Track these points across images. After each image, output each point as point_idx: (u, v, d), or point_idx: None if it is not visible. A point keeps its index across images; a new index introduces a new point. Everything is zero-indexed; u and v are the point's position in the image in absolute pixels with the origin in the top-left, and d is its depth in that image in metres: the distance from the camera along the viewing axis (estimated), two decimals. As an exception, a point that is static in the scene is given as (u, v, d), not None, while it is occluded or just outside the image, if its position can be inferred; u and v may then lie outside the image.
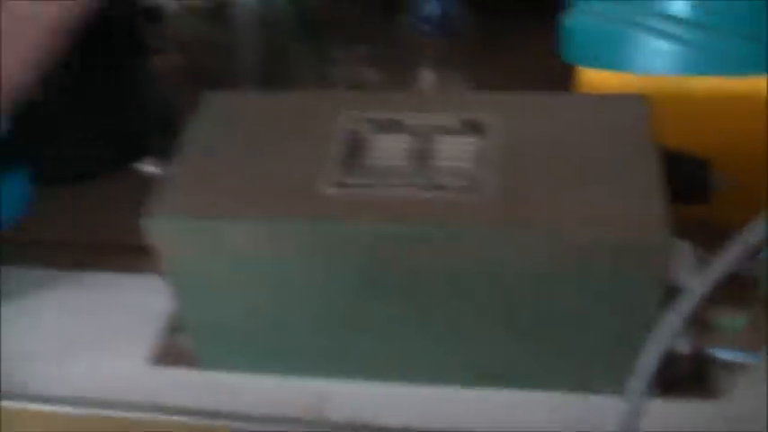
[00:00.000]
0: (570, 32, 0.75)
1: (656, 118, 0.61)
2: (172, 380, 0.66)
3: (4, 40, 0.17)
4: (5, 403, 0.65)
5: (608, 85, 0.73)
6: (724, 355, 0.63)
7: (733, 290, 0.50)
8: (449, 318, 0.59)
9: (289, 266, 0.57)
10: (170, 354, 0.68)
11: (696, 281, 0.47)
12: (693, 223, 0.59)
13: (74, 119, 0.82)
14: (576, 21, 0.75)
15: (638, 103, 0.63)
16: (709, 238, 0.53)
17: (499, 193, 0.56)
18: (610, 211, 0.54)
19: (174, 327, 0.69)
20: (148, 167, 0.69)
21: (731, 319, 0.64)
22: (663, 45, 0.70)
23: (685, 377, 0.62)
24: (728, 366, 0.62)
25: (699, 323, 0.64)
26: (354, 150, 0.59)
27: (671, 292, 0.50)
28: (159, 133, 0.79)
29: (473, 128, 0.61)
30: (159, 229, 0.57)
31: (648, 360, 0.49)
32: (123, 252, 0.73)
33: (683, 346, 0.64)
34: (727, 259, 0.46)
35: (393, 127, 0.61)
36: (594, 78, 0.74)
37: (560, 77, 0.76)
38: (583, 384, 0.61)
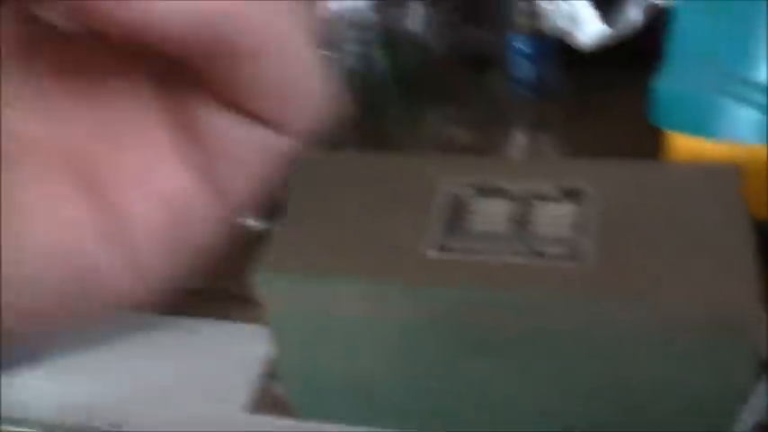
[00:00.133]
0: (660, 97, 0.77)
1: (746, 187, 0.62)
2: (268, 427, 0.68)
3: (232, 166, 0.19)
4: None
5: (696, 152, 0.74)
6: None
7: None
8: (541, 380, 0.61)
9: (389, 325, 0.60)
10: (267, 401, 0.70)
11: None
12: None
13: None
14: (665, 86, 0.76)
15: (730, 173, 0.64)
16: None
17: (596, 262, 0.57)
18: (705, 282, 0.55)
19: (272, 374, 0.71)
20: (250, 222, 0.72)
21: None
22: (750, 113, 0.72)
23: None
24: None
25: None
26: (456, 214, 0.61)
27: (764, 364, 0.51)
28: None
29: (571, 195, 0.62)
30: (266, 283, 0.60)
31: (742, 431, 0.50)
32: (223, 300, 0.75)
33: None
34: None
35: (493, 192, 0.63)
36: (683, 144, 0.76)
37: (650, 142, 0.77)
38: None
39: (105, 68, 0.18)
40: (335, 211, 0.64)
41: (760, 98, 0.71)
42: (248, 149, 0.20)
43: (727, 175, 0.64)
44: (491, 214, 0.61)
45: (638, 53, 0.84)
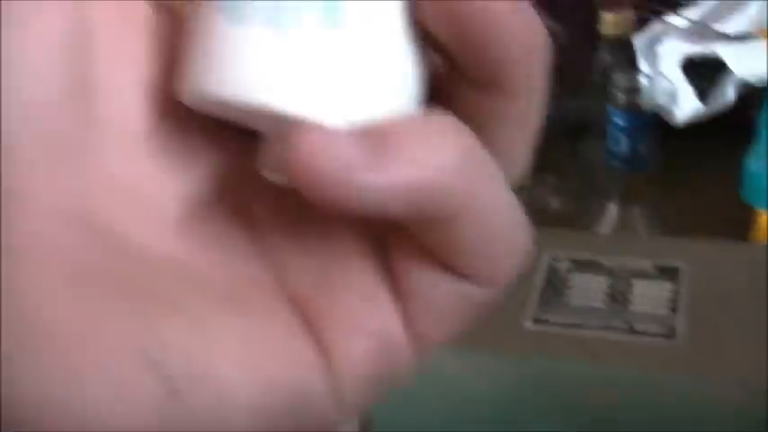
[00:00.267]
0: (751, 175, 0.78)
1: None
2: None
3: (433, 314, 0.21)
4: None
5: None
6: None
7: None
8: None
9: (483, 390, 0.61)
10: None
11: None
12: None
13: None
14: (757, 164, 0.77)
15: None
16: None
17: (691, 341, 0.59)
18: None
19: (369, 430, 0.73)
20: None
21: None
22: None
23: None
24: None
25: None
26: (554, 288, 0.63)
27: None
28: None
29: (667, 273, 0.64)
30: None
31: None
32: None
33: None
34: None
35: (592, 268, 0.64)
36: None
37: (740, 218, 0.78)
38: None
39: (322, 218, 0.19)
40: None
41: None
42: (450, 301, 0.21)
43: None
44: (589, 289, 0.63)
45: (729, 128, 0.85)
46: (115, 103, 0.19)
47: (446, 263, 0.20)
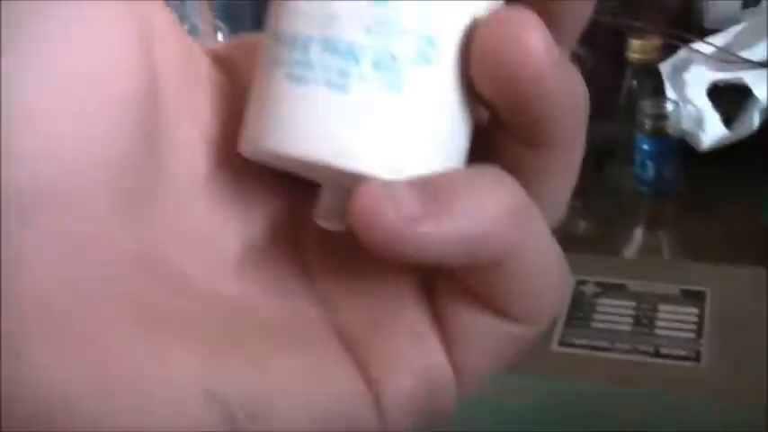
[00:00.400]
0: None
1: None
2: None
3: (476, 352, 0.22)
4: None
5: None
6: None
7: None
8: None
9: (514, 414, 0.62)
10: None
11: None
12: None
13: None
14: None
15: None
16: None
17: (716, 364, 0.59)
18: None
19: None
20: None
21: None
22: None
23: None
24: None
25: None
26: (581, 311, 0.64)
27: None
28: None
29: (692, 298, 0.65)
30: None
31: None
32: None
33: None
34: None
35: (618, 291, 0.66)
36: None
37: (765, 243, 0.79)
38: None
39: (371, 260, 0.20)
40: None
41: None
42: (494, 340, 0.22)
43: None
44: (616, 314, 0.64)
45: (754, 153, 0.86)
46: (179, 155, 0.21)
47: (492, 304, 0.22)
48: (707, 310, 0.64)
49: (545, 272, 0.21)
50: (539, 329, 0.22)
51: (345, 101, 0.20)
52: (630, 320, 0.63)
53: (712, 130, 0.91)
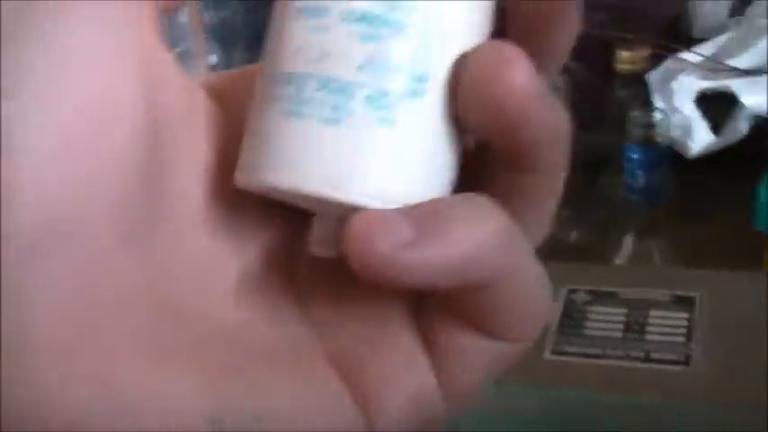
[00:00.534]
0: (764, 205, 0.79)
1: None
2: None
3: (465, 372, 0.23)
4: None
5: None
6: None
7: None
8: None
9: (507, 421, 0.63)
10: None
11: None
12: None
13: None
14: (767, 193, 0.79)
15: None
16: None
17: (706, 368, 0.60)
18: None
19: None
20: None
21: None
22: None
23: None
24: None
25: None
26: (572, 319, 0.65)
27: None
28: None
29: (682, 303, 0.66)
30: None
31: None
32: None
33: None
34: None
35: (609, 299, 0.67)
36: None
37: (754, 247, 0.79)
38: None
39: (361, 285, 0.21)
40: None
41: None
42: (482, 358, 0.23)
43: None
44: (607, 321, 0.65)
45: (741, 159, 0.87)
46: (179, 188, 0.22)
47: (480, 325, 0.23)
48: (697, 314, 0.65)
49: (530, 292, 0.22)
50: (525, 346, 0.23)
51: (339, 135, 0.21)
52: (622, 327, 0.64)
53: (700, 138, 0.92)
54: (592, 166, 0.92)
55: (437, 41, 0.21)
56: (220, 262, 0.23)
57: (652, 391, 0.60)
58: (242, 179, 0.22)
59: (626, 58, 0.93)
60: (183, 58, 1.09)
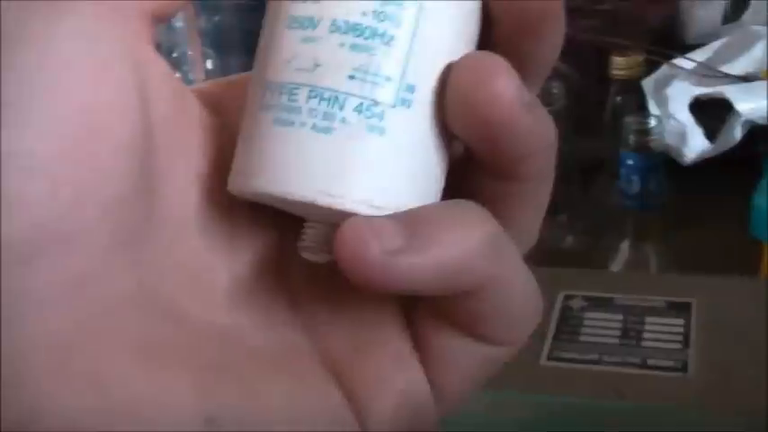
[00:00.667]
0: (758, 211, 0.80)
1: None
2: None
3: (455, 374, 0.23)
4: None
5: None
6: None
7: None
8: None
9: (503, 428, 0.63)
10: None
11: None
12: None
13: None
14: (763, 200, 0.79)
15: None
16: None
17: (703, 374, 0.60)
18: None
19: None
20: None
21: None
22: None
23: None
24: None
25: None
26: (569, 325, 0.65)
27: None
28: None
29: (678, 309, 0.66)
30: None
31: None
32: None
33: None
34: None
35: (605, 305, 0.67)
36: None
37: (749, 253, 0.80)
38: None
39: (353, 288, 0.21)
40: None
41: None
42: (472, 361, 0.23)
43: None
44: (603, 327, 0.65)
45: (736, 165, 0.87)
46: (172, 193, 0.22)
47: (470, 329, 0.23)
48: (693, 320, 0.65)
49: (518, 297, 0.23)
50: (513, 350, 0.24)
51: (330, 143, 0.21)
52: (618, 333, 0.64)
53: (695, 144, 0.92)
54: (587, 172, 0.92)
55: (425, 52, 0.22)
56: (213, 266, 0.23)
57: (648, 396, 0.60)
58: (235, 185, 0.22)
59: (620, 65, 0.94)
60: (180, 63, 1.09)
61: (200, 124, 0.23)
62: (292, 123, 0.21)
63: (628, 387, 0.60)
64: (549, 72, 0.23)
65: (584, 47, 0.98)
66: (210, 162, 0.23)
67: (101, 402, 0.19)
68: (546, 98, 0.88)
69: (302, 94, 0.21)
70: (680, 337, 0.64)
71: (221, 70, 1.12)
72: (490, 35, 0.23)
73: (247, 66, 0.24)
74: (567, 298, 0.68)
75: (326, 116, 0.21)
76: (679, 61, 0.98)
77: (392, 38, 0.21)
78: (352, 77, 0.21)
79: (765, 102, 0.89)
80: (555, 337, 0.64)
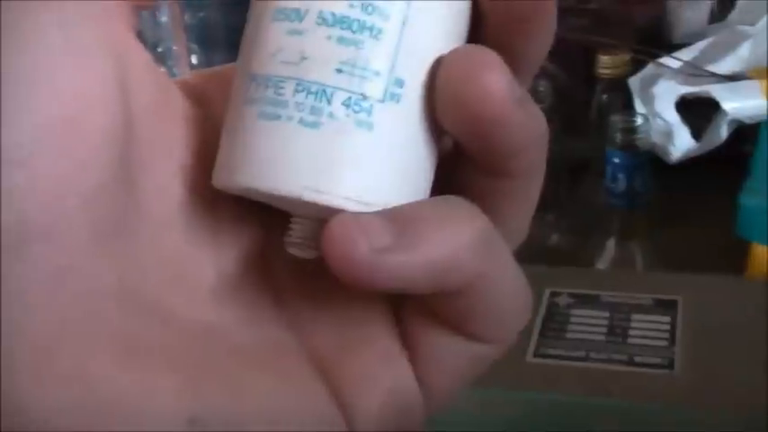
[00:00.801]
0: (745, 211, 0.80)
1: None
2: None
3: (443, 372, 0.22)
4: None
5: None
6: None
7: None
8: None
9: (489, 424, 0.63)
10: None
11: None
12: None
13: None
14: (750, 200, 0.79)
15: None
16: None
17: (689, 371, 0.60)
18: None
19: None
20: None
21: None
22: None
23: None
24: None
25: None
26: (555, 322, 0.65)
27: None
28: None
29: (665, 306, 0.66)
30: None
31: None
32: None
33: None
34: None
35: (592, 302, 0.67)
36: (765, 255, 0.78)
37: (735, 252, 0.80)
38: None
39: (340, 285, 0.21)
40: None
41: None
42: (460, 359, 0.23)
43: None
44: (590, 324, 0.65)
45: (723, 164, 0.87)
46: (155, 187, 0.22)
47: (459, 327, 0.23)
48: (679, 318, 0.65)
49: (508, 295, 0.22)
50: (502, 348, 0.23)
51: (317, 137, 0.21)
52: (604, 330, 0.64)
53: (681, 143, 0.92)
54: (573, 170, 0.92)
55: (414, 46, 0.21)
56: (197, 261, 0.22)
57: (634, 393, 0.60)
58: (220, 179, 0.22)
59: (607, 63, 0.94)
60: (165, 58, 1.09)
61: (182, 116, 0.23)
62: (279, 117, 0.21)
63: (614, 384, 0.60)
64: (539, 67, 0.23)
65: (571, 46, 0.98)
66: (194, 154, 0.23)
67: (82, 401, 0.19)
68: (532, 97, 0.87)
69: (289, 88, 0.21)
70: (666, 335, 0.64)
71: (206, 65, 1.11)
72: (480, 30, 0.22)
73: (232, 61, 0.24)
74: (554, 295, 0.68)
75: (314, 110, 0.21)
76: (665, 60, 0.99)
77: (380, 31, 0.21)
78: (339, 71, 0.21)
79: (751, 101, 0.89)
80: (541, 334, 0.64)
